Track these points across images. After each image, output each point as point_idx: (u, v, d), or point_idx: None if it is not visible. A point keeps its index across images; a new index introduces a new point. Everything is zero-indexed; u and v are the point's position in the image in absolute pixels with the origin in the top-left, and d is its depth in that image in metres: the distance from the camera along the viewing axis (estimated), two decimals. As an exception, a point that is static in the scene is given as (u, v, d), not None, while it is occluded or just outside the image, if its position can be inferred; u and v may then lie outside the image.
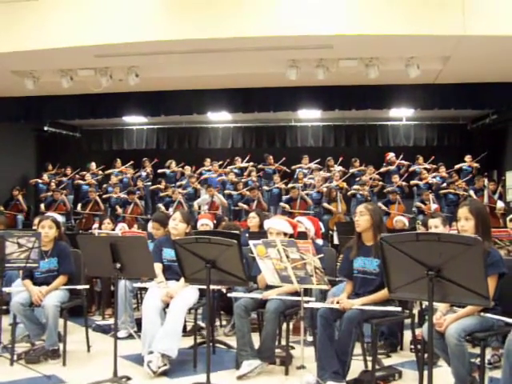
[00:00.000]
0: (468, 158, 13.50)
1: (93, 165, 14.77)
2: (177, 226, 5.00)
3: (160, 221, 5.74)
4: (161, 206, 12.90)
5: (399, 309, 3.99)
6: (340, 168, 13.83)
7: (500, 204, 11.81)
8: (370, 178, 13.45)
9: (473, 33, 7.75)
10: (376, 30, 7.91)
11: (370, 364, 4.13)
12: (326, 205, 12.52)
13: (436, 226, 5.28)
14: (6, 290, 4.95)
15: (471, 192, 12.04)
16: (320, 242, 6.12)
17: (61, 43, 8.28)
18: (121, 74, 9.63)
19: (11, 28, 8.40)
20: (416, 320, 4.86)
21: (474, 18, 7.69)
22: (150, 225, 6.21)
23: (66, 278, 4.91)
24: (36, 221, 5.92)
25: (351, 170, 13.86)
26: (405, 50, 8.71)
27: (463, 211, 3.65)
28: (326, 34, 8.01)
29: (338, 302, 4.00)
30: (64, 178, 14.52)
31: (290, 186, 13.08)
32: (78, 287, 4.92)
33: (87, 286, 5.05)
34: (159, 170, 14.73)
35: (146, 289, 5.06)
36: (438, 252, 2.68)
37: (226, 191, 13.34)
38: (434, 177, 13.23)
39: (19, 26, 8.38)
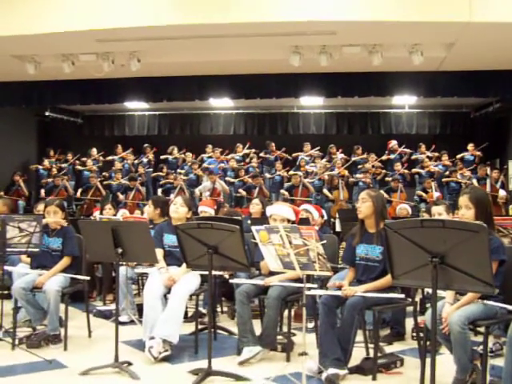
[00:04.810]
0: (471, 146, 13.44)
1: (94, 150, 14.74)
2: (178, 209, 4.99)
3: (155, 200, 6.02)
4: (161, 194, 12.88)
5: (402, 296, 3.98)
6: (342, 155, 13.79)
7: (502, 193, 11.78)
8: (373, 166, 13.42)
9: (478, 19, 7.66)
10: (380, 17, 7.83)
11: (371, 351, 4.13)
12: (327, 192, 12.50)
13: (439, 213, 5.24)
14: (8, 268, 4.95)
15: (474, 180, 11.98)
16: (321, 229, 6.13)
17: (62, 27, 8.19)
18: (123, 59, 9.54)
19: (12, 12, 8.31)
20: (418, 308, 4.86)
21: (479, 4, 7.60)
22: (147, 208, 6.25)
23: (69, 259, 4.91)
24: (41, 206, 5.91)
25: (353, 158, 13.82)
26: (409, 37, 8.62)
27: (464, 200, 3.61)
28: (330, 20, 7.93)
29: (340, 287, 3.99)
30: (65, 164, 14.50)
31: (291, 173, 13.06)
32: (79, 277, 4.88)
33: (88, 278, 5.00)
34: (161, 157, 14.70)
35: (147, 275, 5.05)
36: (442, 239, 2.65)
37: (228, 178, 13.31)
38: (437, 165, 13.18)
39: (20, 10, 8.29)
